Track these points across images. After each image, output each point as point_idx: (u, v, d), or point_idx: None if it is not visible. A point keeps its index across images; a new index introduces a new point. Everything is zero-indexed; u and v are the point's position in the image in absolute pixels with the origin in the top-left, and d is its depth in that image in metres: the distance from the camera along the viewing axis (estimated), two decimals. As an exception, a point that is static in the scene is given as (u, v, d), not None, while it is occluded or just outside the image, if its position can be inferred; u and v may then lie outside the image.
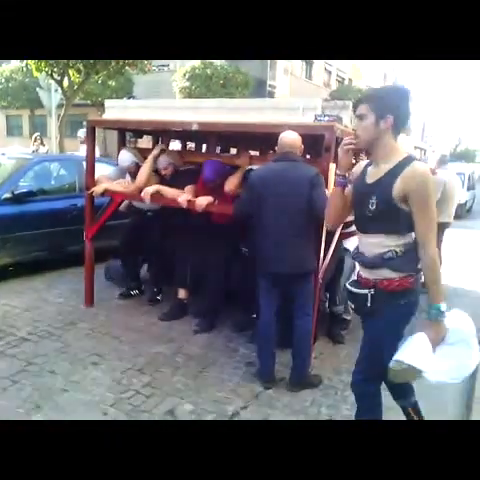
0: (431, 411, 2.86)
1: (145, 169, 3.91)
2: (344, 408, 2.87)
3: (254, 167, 3.53)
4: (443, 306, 1.88)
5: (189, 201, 3.54)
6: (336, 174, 2.14)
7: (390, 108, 1.89)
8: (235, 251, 3.88)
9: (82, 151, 7.86)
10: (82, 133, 8.35)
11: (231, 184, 3.53)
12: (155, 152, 3.99)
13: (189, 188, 3.77)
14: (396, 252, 1.94)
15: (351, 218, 3.64)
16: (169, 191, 3.76)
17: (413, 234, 1.96)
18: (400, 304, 1.99)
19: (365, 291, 2.04)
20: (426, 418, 2.78)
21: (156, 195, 3.72)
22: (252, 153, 4.33)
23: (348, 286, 2.14)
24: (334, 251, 3.38)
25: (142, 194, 3.71)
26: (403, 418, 2.43)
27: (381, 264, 1.97)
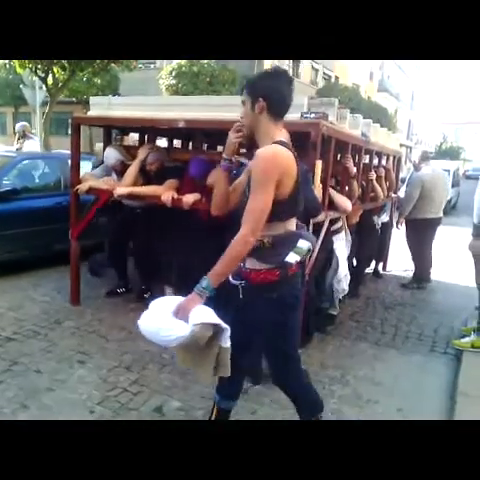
0: (418, 405, 2.93)
1: (132, 171, 3.88)
2: (331, 402, 2.90)
3: (240, 159, 3.52)
4: (207, 283, 1.84)
5: (176, 199, 3.53)
6: (223, 158, 2.11)
7: (260, 91, 1.87)
8: (225, 245, 3.88)
9: (26, 147, 7.70)
10: (20, 127, 8.17)
11: (213, 177, 3.54)
12: (142, 156, 3.96)
13: (169, 182, 3.76)
14: (263, 243, 1.90)
15: (337, 215, 3.71)
16: (146, 189, 3.76)
17: (287, 225, 1.94)
18: (271, 298, 1.93)
19: (237, 282, 2.00)
20: (413, 409, 2.84)
21: (135, 195, 3.72)
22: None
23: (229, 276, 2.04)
24: (322, 247, 3.40)
25: (114, 194, 3.73)
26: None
27: (250, 254, 1.90)
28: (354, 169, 3.95)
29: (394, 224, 5.94)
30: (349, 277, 4.16)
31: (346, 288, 4.11)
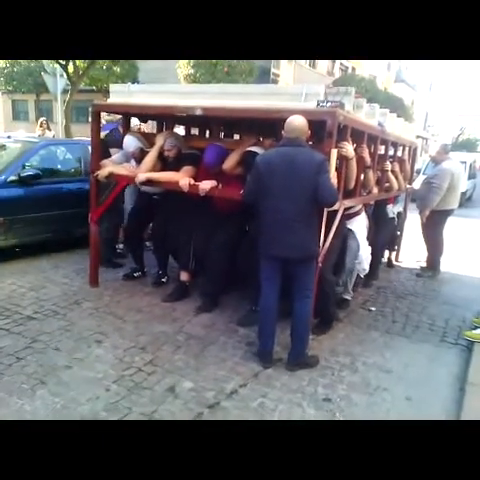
0: (427, 394, 2.94)
1: (150, 157, 3.95)
2: (340, 388, 2.95)
3: (253, 149, 3.57)
4: None
5: (192, 185, 3.60)
6: None
7: None
8: (240, 231, 3.92)
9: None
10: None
11: (229, 162, 3.61)
12: (160, 143, 4.02)
13: (186, 169, 3.82)
14: None
15: (351, 204, 3.74)
16: (163, 175, 3.82)
17: None
18: None
19: None
20: (422, 398, 2.86)
21: (154, 180, 3.79)
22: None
23: None
24: (337, 233, 3.44)
25: (135, 181, 3.79)
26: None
27: None
28: (369, 159, 3.96)
29: (420, 217, 5.77)
30: (370, 258, 4.21)
31: (367, 268, 4.16)
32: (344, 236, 3.88)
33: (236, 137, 5.32)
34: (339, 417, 2.65)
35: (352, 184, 3.60)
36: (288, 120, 2.93)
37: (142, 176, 3.75)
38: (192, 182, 3.61)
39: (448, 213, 5.63)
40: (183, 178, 3.65)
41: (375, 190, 4.35)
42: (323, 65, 26.36)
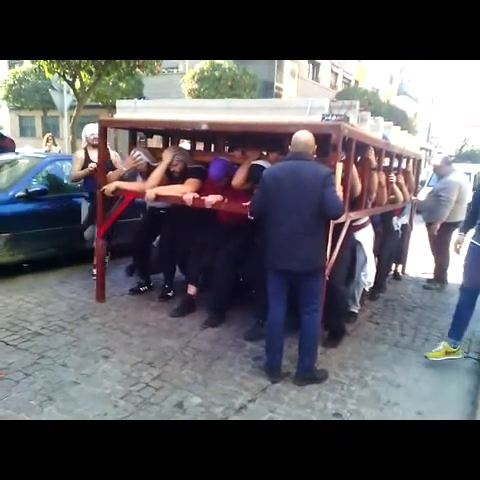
0: (438, 409, 2.90)
1: (157, 173, 3.97)
2: (350, 402, 2.91)
3: (259, 162, 3.58)
4: None
5: (198, 199, 3.61)
6: None
7: None
8: (247, 244, 3.92)
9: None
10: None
11: (238, 178, 3.62)
12: (167, 160, 4.05)
13: (191, 181, 3.85)
14: None
15: (357, 216, 3.74)
16: (169, 189, 3.85)
17: None
18: None
19: None
20: (434, 413, 2.82)
21: (160, 195, 3.81)
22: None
23: None
24: (345, 245, 3.43)
25: (145, 197, 3.83)
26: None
27: None
28: (375, 161, 3.97)
29: (431, 231, 5.71)
30: (375, 270, 4.20)
31: (372, 281, 4.15)
32: (353, 248, 3.88)
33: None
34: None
35: (357, 192, 3.61)
36: (295, 135, 2.95)
37: (151, 193, 3.77)
38: (196, 196, 3.63)
39: (455, 225, 5.58)
40: (188, 192, 3.67)
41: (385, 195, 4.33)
42: (326, 78, 26.58)
